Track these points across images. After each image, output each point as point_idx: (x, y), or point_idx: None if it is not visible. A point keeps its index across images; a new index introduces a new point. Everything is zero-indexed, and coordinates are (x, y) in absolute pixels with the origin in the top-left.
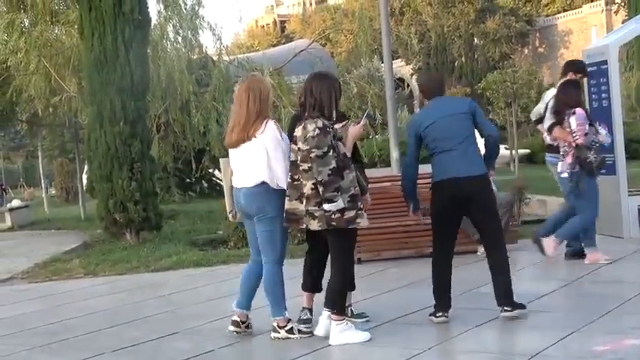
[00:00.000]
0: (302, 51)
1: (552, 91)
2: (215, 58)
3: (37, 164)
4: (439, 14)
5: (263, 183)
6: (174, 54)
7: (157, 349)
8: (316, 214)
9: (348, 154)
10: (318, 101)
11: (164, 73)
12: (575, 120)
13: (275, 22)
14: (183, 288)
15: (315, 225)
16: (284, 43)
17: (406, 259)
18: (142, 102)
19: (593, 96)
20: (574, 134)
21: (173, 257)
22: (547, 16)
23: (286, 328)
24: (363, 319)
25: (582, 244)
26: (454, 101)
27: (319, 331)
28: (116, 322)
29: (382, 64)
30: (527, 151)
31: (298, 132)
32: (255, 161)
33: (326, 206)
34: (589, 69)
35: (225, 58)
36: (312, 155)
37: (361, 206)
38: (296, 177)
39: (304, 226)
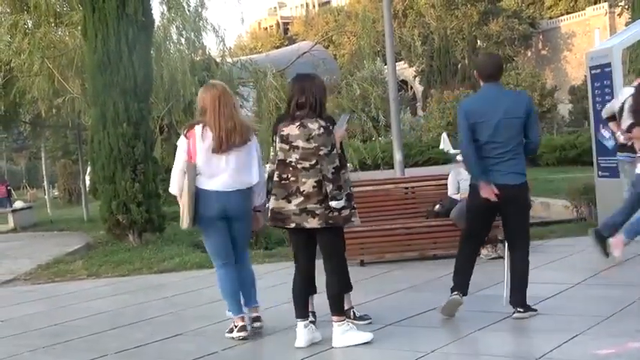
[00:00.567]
0: (305, 53)
1: (629, 90)
2: (218, 59)
3: (40, 165)
4: (442, 16)
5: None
6: (177, 55)
7: (161, 350)
8: (317, 212)
9: None
10: (313, 101)
11: (167, 75)
12: None
13: (278, 24)
14: (186, 290)
15: (313, 223)
16: (287, 45)
17: (410, 261)
18: (145, 103)
19: (597, 98)
20: None
21: (176, 259)
22: (550, 18)
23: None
24: (366, 322)
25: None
26: (511, 100)
27: (300, 342)
28: (120, 323)
29: (385, 66)
30: None
31: (292, 130)
32: (250, 164)
33: (333, 203)
34: (592, 72)
35: (229, 59)
36: (321, 153)
37: (355, 206)
38: (284, 176)
39: (292, 225)
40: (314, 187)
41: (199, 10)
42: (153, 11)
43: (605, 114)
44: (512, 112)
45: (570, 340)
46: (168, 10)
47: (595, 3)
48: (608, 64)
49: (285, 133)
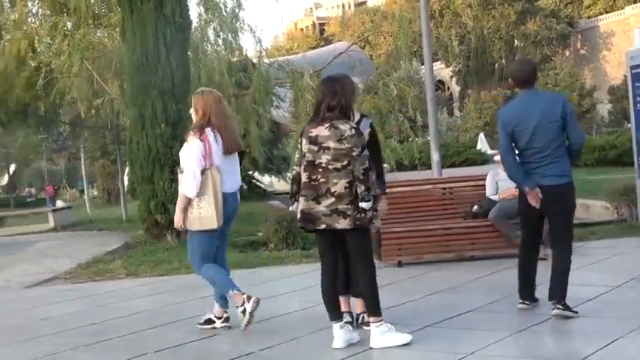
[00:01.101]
0: (342, 53)
1: None
2: (255, 60)
3: (80, 166)
4: (479, 16)
5: None
6: (214, 56)
7: (199, 350)
8: (348, 213)
9: None
10: (343, 103)
11: (204, 76)
12: None
13: (314, 25)
14: None
15: (344, 224)
16: (323, 46)
17: (447, 262)
18: (182, 104)
19: (638, 98)
20: None
21: None
22: (589, 17)
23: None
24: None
25: None
26: (546, 103)
27: (337, 343)
28: (158, 322)
29: (422, 67)
30: None
31: (322, 132)
32: (238, 165)
33: (363, 204)
34: (632, 71)
35: (266, 60)
36: (354, 154)
37: (377, 207)
38: (314, 177)
39: (322, 226)
40: (345, 187)
41: (236, 11)
42: (190, 12)
43: None
44: (548, 116)
45: (611, 344)
46: (205, 11)
47: (634, 2)
48: None
49: (313, 134)
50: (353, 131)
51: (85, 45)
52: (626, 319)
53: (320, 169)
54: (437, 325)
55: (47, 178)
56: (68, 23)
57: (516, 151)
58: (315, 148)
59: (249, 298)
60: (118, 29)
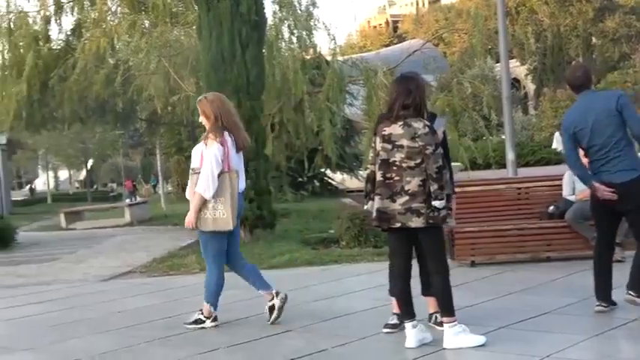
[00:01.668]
0: (416, 51)
1: None
2: (329, 58)
3: (155, 162)
4: (556, 13)
5: None
6: (288, 54)
7: (271, 346)
8: (422, 211)
9: None
10: (417, 102)
11: (279, 73)
12: None
13: (387, 22)
14: (295, 286)
15: (418, 222)
16: (396, 44)
17: (521, 263)
18: (257, 101)
19: None
20: None
21: (286, 255)
22: None
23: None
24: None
25: None
26: (602, 101)
27: (410, 342)
28: (230, 318)
29: (496, 64)
30: None
31: (395, 130)
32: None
33: (436, 203)
34: None
35: (339, 58)
36: (427, 152)
37: (451, 206)
38: (388, 175)
39: (397, 225)
40: (419, 186)
41: (310, 9)
42: (265, 10)
43: None
44: (604, 112)
45: None
46: (280, 9)
47: None
48: None
49: (387, 132)
50: (426, 129)
51: (162, 43)
52: None
53: (394, 168)
54: (511, 327)
55: (123, 174)
56: (146, 21)
57: (582, 152)
58: (389, 146)
59: (277, 294)
60: (194, 27)
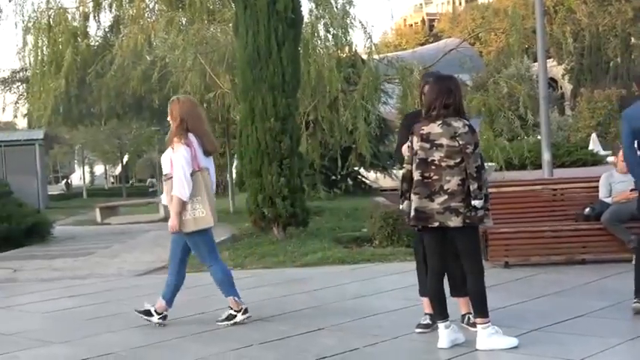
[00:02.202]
0: (452, 50)
1: None
2: (364, 56)
3: None
4: (594, 13)
5: None
6: (324, 52)
7: (303, 344)
8: (461, 211)
9: None
10: (458, 101)
11: (314, 71)
12: None
13: (423, 21)
14: (327, 284)
15: (457, 221)
16: (432, 42)
17: (556, 265)
18: (292, 99)
19: None
20: None
21: (318, 253)
22: None
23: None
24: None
25: None
26: None
27: (442, 343)
28: (263, 315)
29: (533, 64)
30: None
31: (433, 129)
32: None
33: (476, 202)
34: None
35: (375, 56)
36: (467, 151)
37: (489, 207)
38: (427, 174)
39: (435, 224)
40: (458, 185)
41: (347, 7)
42: (302, 8)
43: None
44: None
45: None
46: (316, 7)
47: None
48: None
49: (425, 131)
50: (466, 128)
51: (198, 40)
52: None
53: (433, 167)
54: (544, 330)
55: (158, 170)
56: (183, 19)
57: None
58: (427, 145)
59: (245, 310)
60: (231, 24)
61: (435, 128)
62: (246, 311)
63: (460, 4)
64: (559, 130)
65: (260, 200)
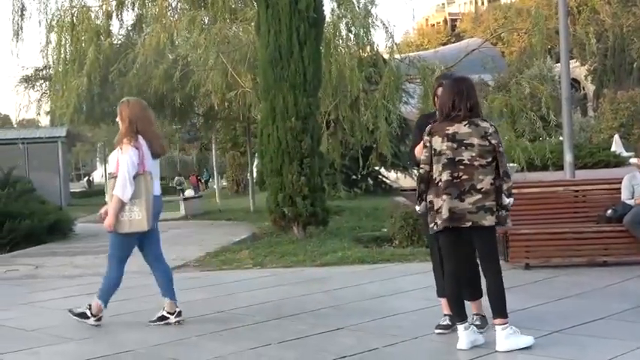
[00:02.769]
0: (474, 50)
1: None
2: (386, 56)
3: (210, 156)
4: (618, 14)
5: None
6: (345, 51)
7: (322, 343)
8: (494, 210)
9: None
10: (476, 102)
11: (335, 71)
12: None
13: (446, 21)
14: (347, 284)
15: (490, 220)
16: (454, 42)
17: (577, 267)
18: (313, 98)
19: None
20: None
21: (338, 253)
22: None
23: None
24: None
25: None
26: None
27: (462, 344)
28: (282, 314)
29: (555, 64)
30: None
31: (460, 129)
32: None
33: (510, 200)
34: None
35: (397, 56)
36: (501, 149)
37: (510, 207)
38: (456, 174)
39: (467, 224)
40: (491, 184)
41: (368, 6)
42: (324, 8)
43: None
44: None
45: None
46: (338, 6)
47: None
48: None
49: (451, 131)
50: (494, 128)
51: (220, 39)
52: None
53: (461, 166)
54: (564, 332)
55: (179, 168)
56: (205, 17)
57: None
58: (455, 145)
59: (179, 314)
60: (253, 23)
61: (462, 128)
62: (99, 320)
63: (482, 3)
64: (581, 131)
65: (280, 199)
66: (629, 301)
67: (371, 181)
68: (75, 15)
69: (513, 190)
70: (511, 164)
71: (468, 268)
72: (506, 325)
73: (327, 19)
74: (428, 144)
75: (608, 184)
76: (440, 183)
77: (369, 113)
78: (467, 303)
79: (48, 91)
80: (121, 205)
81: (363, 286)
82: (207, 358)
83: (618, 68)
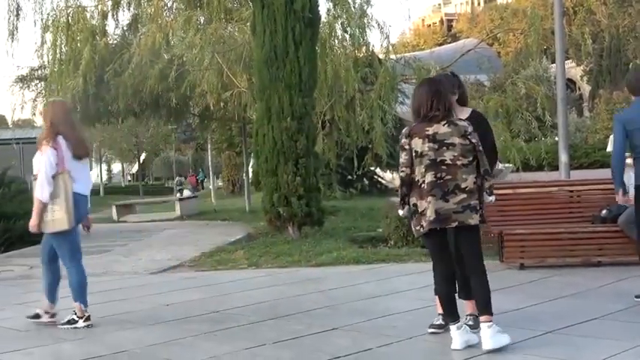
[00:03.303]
0: (470, 50)
1: None
2: (381, 56)
3: (206, 157)
4: (614, 14)
5: None
6: (341, 52)
7: (317, 343)
8: (478, 208)
9: None
10: (450, 103)
11: (331, 71)
12: None
13: (442, 21)
14: (342, 284)
15: (476, 219)
16: (450, 43)
17: (572, 267)
18: (309, 99)
19: None
20: None
21: (333, 253)
22: None
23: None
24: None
25: None
26: None
27: (455, 344)
28: (277, 314)
29: (551, 65)
30: None
31: (440, 129)
32: (89, 170)
33: (492, 198)
34: None
35: (392, 56)
36: (481, 148)
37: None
38: (439, 175)
39: (453, 224)
40: (474, 183)
41: (364, 7)
42: (319, 8)
43: None
44: None
45: None
46: (333, 6)
47: None
48: None
49: (431, 132)
50: (471, 128)
51: (216, 39)
52: None
53: (444, 167)
54: (558, 332)
55: (175, 168)
56: (201, 17)
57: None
58: (436, 145)
59: (88, 318)
60: (248, 24)
61: (441, 128)
62: (88, 319)
63: (479, 4)
64: (577, 131)
65: (275, 199)
66: (624, 301)
67: (366, 182)
68: (70, 15)
69: (508, 191)
70: (506, 164)
71: (463, 267)
72: (491, 323)
73: (323, 19)
74: (407, 146)
75: (603, 185)
76: (423, 185)
77: (364, 113)
78: (461, 303)
79: (43, 91)
80: (43, 206)
81: (359, 287)
82: (202, 359)
83: (614, 69)
